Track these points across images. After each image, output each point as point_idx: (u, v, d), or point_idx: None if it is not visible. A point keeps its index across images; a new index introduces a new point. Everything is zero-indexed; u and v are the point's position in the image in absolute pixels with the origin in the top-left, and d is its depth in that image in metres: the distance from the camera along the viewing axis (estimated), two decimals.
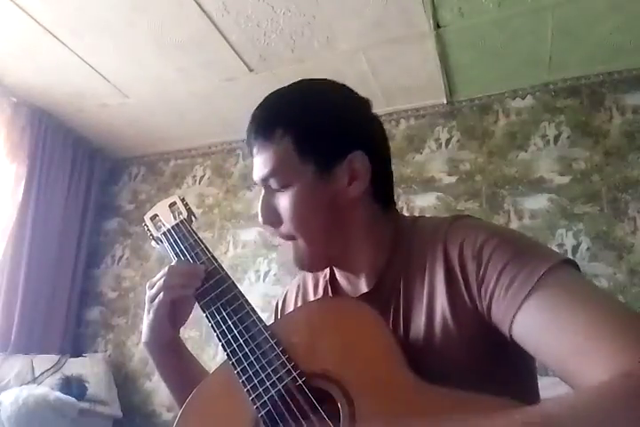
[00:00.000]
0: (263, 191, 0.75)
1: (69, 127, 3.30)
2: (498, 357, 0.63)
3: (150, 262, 3.30)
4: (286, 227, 0.72)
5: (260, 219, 0.74)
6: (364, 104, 0.77)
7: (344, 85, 0.79)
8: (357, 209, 0.72)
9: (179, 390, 0.81)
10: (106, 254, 3.46)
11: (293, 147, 0.70)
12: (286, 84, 0.79)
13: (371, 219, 0.74)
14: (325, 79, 0.79)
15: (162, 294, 0.75)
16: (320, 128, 0.71)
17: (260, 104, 0.76)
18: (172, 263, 0.79)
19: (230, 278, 0.77)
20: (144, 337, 0.79)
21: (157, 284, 0.76)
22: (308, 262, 0.75)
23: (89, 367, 2.79)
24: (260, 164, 0.73)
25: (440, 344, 0.63)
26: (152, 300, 0.76)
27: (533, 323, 0.55)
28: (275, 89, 0.78)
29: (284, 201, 0.71)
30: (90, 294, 3.35)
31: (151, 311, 0.76)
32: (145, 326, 0.79)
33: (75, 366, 2.76)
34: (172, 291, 0.75)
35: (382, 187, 0.75)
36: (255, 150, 0.74)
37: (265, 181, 0.73)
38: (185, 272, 0.77)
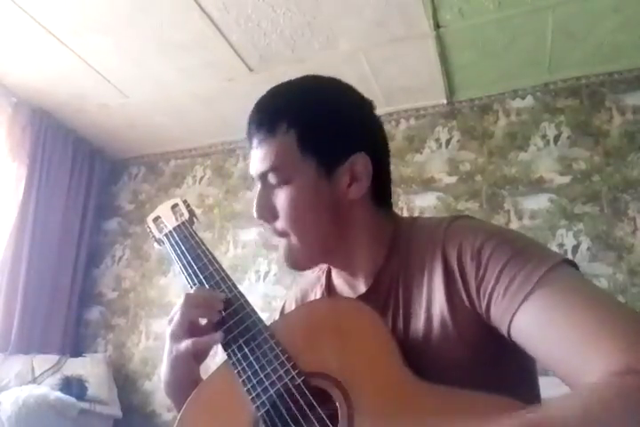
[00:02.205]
0: (259, 185, 0.73)
1: (70, 127, 3.30)
2: (497, 356, 0.63)
3: (150, 262, 3.30)
4: (281, 223, 0.72)
5: (255, 213, 0.73)
6: (369, 106, 0.77)
7: (350, 86, 0.78)
8: (356, 210, 0.72)
9: None
10: (106, 254, 3.46)
11: (297, 143, 0.69)
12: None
13: (369, 220, 0.73)
14: (333, 78, 0.78)
15: (184, 326, 0.70)
16: (325, 127, 0.70)
17: (266, 95, 0.74)
18: (189, 291, 0.74)
19: (230, 280, 0.77)
20: (165, 377, 0.73)
21: (176, 319, 0.71)
22: (299, 260, 0.74)
23: (89, 368, 2.79)
24: (261, 157, 0.71)
25: (439, 344, 0.63)
26: (177, 339, 0.70)
27: (532, 323, 0.55)
28: None
29: (281, 197, 0.70)
30: (90, 295, 3.35)
31: (174, 352, 0.70)
32: (166, 366, 0.72)
33: (75, 367, 2.76)
34: (193, 325, 0.71)
35: (382, 188, 0.75)
36: (256, 143, 0.72)
37: (264, 175, 0.71)
38: (202, 302, 0.72)
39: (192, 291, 0.75)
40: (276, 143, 0.70)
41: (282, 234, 0.73)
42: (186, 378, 0.72)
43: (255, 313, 0.72)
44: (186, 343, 0.69)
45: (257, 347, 0.67)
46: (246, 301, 0.74)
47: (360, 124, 0.73)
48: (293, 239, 0.72)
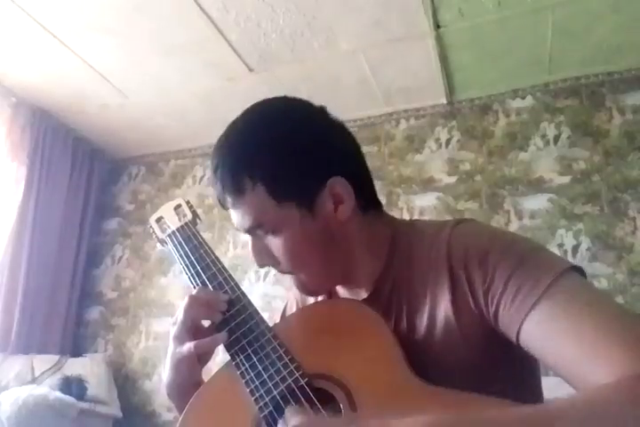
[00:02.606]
0: (251, 238, 0.73)
1: (69, 127, 3.30)
2: (501, 360, 0.64)
3: (150, 263, 3.30)
4: (284, 266, 0.72)
5: (256, 263, 0.73)
6: (322, 117, 0.73)
7: (294, 103, 0.74)
8: (350, 227, 0.72)
9: None
10: (106, 255, 3.45)
11: (267, 194, 0.67)
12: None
13: (364, 231, 0.73)
14: (270, 104, 0.74)
15: (187, 329, 0.70)
16: (288, 169, 0.68)
17: (217, 150, 0.71)
18: (193, 292, 0.74)
19: (233, 280, 0.77)
20: (168, 378, 0.73)
21: (179, 321, 0.71)
22: (314, 290, 0.76)
23: (89, 367, 2.79)
24: (240, 217, 0.70)
25: (443, 347, 0.63)
26: (179, 342, 0.70)
27: (540, 330, 0.56)
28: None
29: (276, 245, 0.69)
30: (90, 295, 3.35)
31: (176, 355, 0.70)
32: (169, 368, 0.72)
33: (75, 367, 2.76)
34: (196, 327, 0.71)
35: (367, 196, 0.74)
36: (229, 204, 0.71)
37: (251, 231, 0.71)
38: (206, 303, 0.72)
39: (195, 292, 0.75)
40: (249, 201, 0.68)
41: (290, 273, 0.73)
42: (188, 380, 0.72)
43: (258, 314, 0.72)
44: (188, 346, 0.69)
45: (260, 348, 0.67)
46: (249, 301, 0.74)
47: (323, 150, 0.70)
48: (301, 276, 0.73)
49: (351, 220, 0.71)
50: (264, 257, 0.72)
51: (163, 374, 0.76)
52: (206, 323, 0.73)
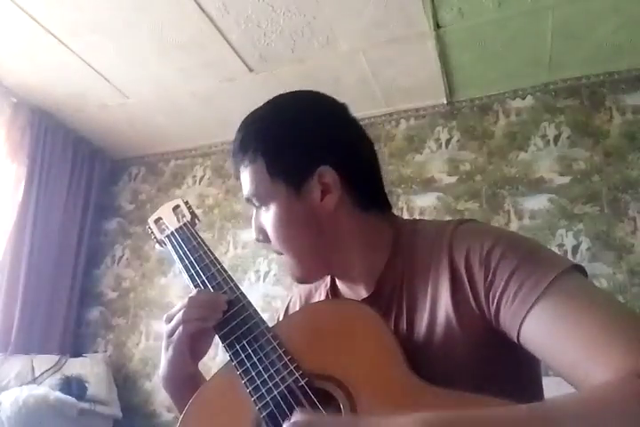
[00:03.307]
0: (254, 209, 0.77)
1: (69, 127, 3.30)
2: (501, 360, 0.64)
3: (150, 263, 3.30)
4: (273, 244, 0.75)
5: (254, 238, 0.78)
6: (336, 113, 0.77)
7: (317, 97, 0.79)
8: (340, 220, 0.73)
9: None
10: (106, 255, 3.45)
11: (265, 167, 0.73)
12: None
13: (359, 227, 0.74)
14: (298, 94, 0.80)
15: (181, 328, 0.71)
16: (285, 149, 0.73)
17: (240, 126, 0.78)
18: (192, 294, 0.75)
19: (232, 280, 0.77)
20: (163, 372, 0.76)
21: (176, 317, 0.72)
22: (301, 276, 0.77)
23: (89, 368, 2.79)
24: (243, 184, 0.76)
25: (443, 347, 0.63)
26: (170, 335, 0.73)
27: (541, 329, 0.56)
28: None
29: (266, 220, 0.74)
30: (90, 295, 3.35)
31: (170, 347, 0.73)
32: (164, 362, 0.75)
33: (75, 367, 2.76)
34: (192, 325, 0.71)
35: (364, 193, 0.75)
36: (238, 172, 0.78)
37: (249, 200, 0.76)
38: (205, 304, 0.73)
39: (195, 293, 0.75)
40: (250, 171, 0.74)
41: (278, 253, 0.76)
42: (182, 370, 0.74)
43: (258, 314, 0.72)
44: (178, 333, 0.71)
45: (260, 348, 0.67)
46: (249, 302, 0.74)
47: (319, 138, 0.73)
48: (288, 257, 0.75)
49: (342, 213, 0.73)
50: (258, 231, 0.77)
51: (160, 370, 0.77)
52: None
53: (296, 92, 0.80)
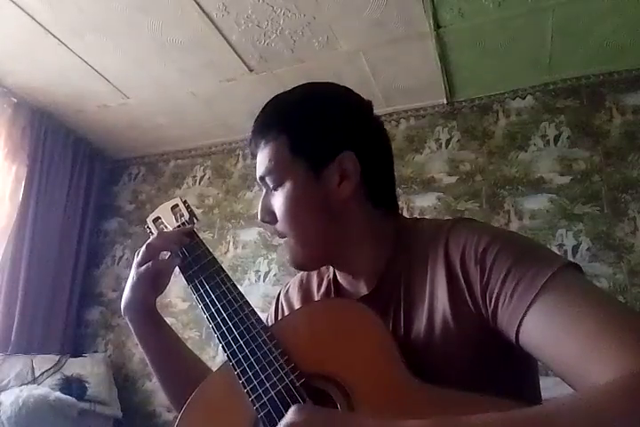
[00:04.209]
0: (264, 189, 0.77)
1: (70, 128, 3.30)
2: (499, 359, 0.63)
3: None
4: (280, 225, 0.74)
5: (258, 216, 0.78)
6: (363, 106, 0.78)
7: (346, 88, 0.80)
8: (351, 209, 0.73)
9: (161, 363, 0.85)
10: (106, 255, 3.46)
11: (287, 147, 0.72)
12: (287, 85, 0.81)
13: (366, 219, 0.74)
14: (328, 82, 0.81)
15: (150, 263, 0.79)
16: (312, 129, 0.73)
17: (264, 106, 0.78)
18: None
19: (231, 281, 0.77)
20: (124, 302, 0.83)
21: (142, 249, 0.80)
22: (300, 262, 0.76)
23: (89, 368, 2.79)
24: (259, 162, 0.76)
25: (441, 347, 0.63)
26: (139, 265, 0.80)
27: (539, 329, 0.55)
28: (274, 89, 0.80)
29: (277, 200, 0.73)
30: (90, 295, 3.35)
31: (135, 275, 0.80)
32: (127, 290, 0.82)
33: (75, 367, 2.76)
34: (162, 263, 0.80)
35: (378, 188, 0.76)
36: (256, 150, 0.77)
37: (262, 179, 0.75)
38: (168, 236, 0.82)
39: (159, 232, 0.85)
40: (269, 148, 0.74)
41: (282, 235, 0.75)
42: (142, 301, 0.82)
43: (255, 314, 0.72)
44: (147, 265, 0.79)
45: (257, 348, 0.67)
46: (246, 302, 0.74)
47: (348, 124, 0.74)
48: (292, 240, 0.74)
49: (354, 202, 0.73)
50: (265, 212, 0.76)
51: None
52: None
53: (326, 82, 0.81)
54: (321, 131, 0.73)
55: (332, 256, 0.76)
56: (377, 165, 0.76)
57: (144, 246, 0.80)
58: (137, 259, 0.81)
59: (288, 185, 0.72)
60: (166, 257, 0.82)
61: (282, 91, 0.81)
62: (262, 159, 0.75)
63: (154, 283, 0.82)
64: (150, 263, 0.79)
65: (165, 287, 0.84)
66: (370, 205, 0.74)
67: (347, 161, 0.71)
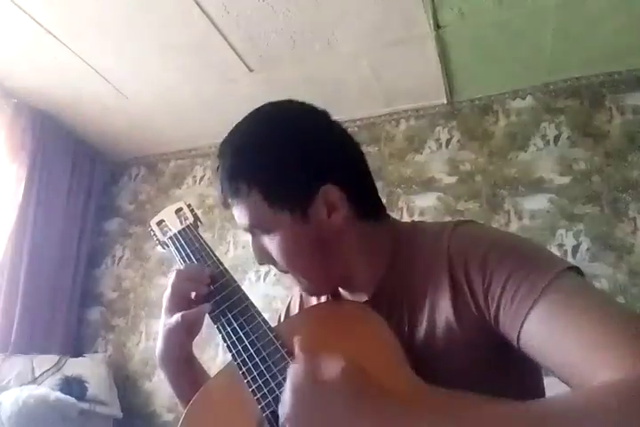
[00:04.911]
0: (251, 236, 0.75)
1: (70, 128, 3.30)
2: (502, 363, 0.64)
3: (150, 263, 3.30)
4: (281, 267, 0.74)
5: (257, 261, 0.76)
6: (321, 124, 0.74)
7: (300, 108, 0.76)
8: (345, 234, 0.72)
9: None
10: (106, 255, 3.45)
11: (262, 199, 0.69)
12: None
13: (363, 238, 0.73)
14: (279, 107, 0.76)
15: (175, 302, 0.76)
16: (282, 175, 0.69)
17: (219, 151, 0.74)
18: (179, 267, 0.79)
19: (235, 282, 0.78)
20: (159, 353, 0.78)
21: (168, 294, 0.77)
22: (312, 293, 0.79)
23: (89, 368, 2.79)
24: (238, 217, 0.74)
25: (445, 350, 0.63)
26: (169, 312, 0.77)
27: (540, 332, 0.55)
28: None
29: (270, 245, 0.72)
30: (90, 295, 3.35)
31: (166, 326, 0.76)
32: (160, 341, 0.78)
33: (75, 367, 2.76)
34: (183, 300, 0.76)
35: (365, 204, 0.74)
36: (228, 204, 0.75)
37: (248, 230, 0.74)
38: (191, 277, 0.78)
39: (181, 268, 0.80)
40: (244, 205, 0.71)
41: (287, 272, 0.75)
42: (177, 350, 0.78)
43: (260, 315, 0.73)
44: (177, 316, 0.75)
45: (262, 348, 0.68)
46: (252, 303, 0.75)
47: (319, 158, 0.70)
48: (300, 278, 0.75)
49: (347, 227, 0.71)
50: (262, 255, 0.74)
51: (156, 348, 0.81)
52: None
53: (268, 107, 0.76)
54: (292, 174, 0.69)
55: (338, 281, 0.77)
56: (358, 183, 0.74)
57: (169, 290, 0.77)
58: (165, 304, 0.77)
59: (278, 236, 0.70)
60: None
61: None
62: (240, 214, 0.72)
63: (187, 332, 0.77)
64: (180, 316, 0.74)
65: (199, 330, 0.78)
66: (362, 222, 0.73)
67: (329, 194, 0.69)
